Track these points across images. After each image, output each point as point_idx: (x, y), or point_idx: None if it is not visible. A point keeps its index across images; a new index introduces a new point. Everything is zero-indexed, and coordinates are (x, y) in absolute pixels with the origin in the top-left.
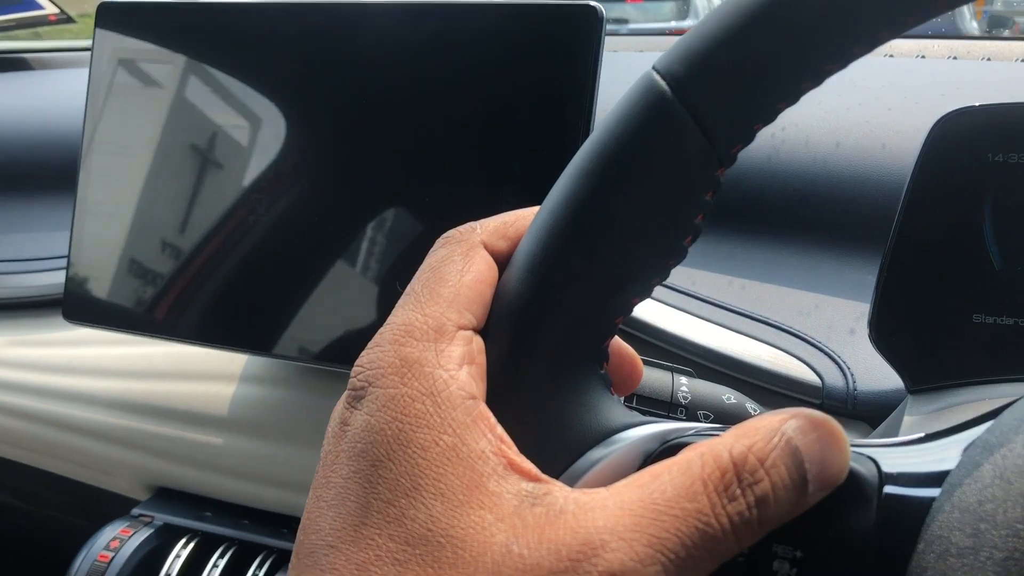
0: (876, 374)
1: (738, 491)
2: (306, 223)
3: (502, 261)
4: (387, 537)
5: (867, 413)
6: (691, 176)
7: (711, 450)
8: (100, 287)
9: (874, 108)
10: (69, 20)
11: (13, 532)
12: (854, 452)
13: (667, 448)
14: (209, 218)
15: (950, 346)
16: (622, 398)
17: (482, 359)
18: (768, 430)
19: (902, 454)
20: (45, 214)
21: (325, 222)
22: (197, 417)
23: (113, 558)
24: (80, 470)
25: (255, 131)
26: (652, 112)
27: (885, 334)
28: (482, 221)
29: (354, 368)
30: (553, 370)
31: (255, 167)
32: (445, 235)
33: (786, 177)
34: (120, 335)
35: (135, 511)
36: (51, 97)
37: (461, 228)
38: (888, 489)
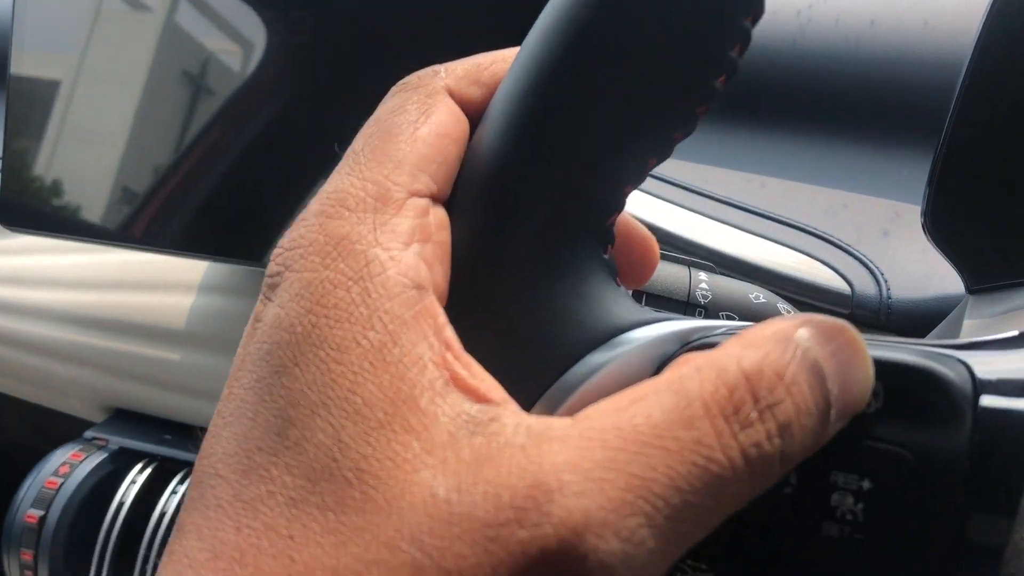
0: (912, 280)
1: (754, 414)
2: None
3: (474, 113)
4: (283, 468)
5: (902, 324)
6: None
7: (712, 363)
8: (39, 191)
9: None
10: None
11: None
12: (938, 352)
13: (691, 351)
14: (163, 119)
15: (1020, 237)
16: (629, 292)
17: (442, 236)
18: (780, 338)
19: (1000, 357)
20: None
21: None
22: (154, 331)
23: (62, 484)
24: (31, 390)
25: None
26: None
27: (943, 225)
28: (448, 64)
29: (274, 251)
30: (538, 250)
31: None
32: (401, 82)
33: (813, 60)
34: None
35: (88, 434)
36: None
37: (421, 72)
38: (986, 400)
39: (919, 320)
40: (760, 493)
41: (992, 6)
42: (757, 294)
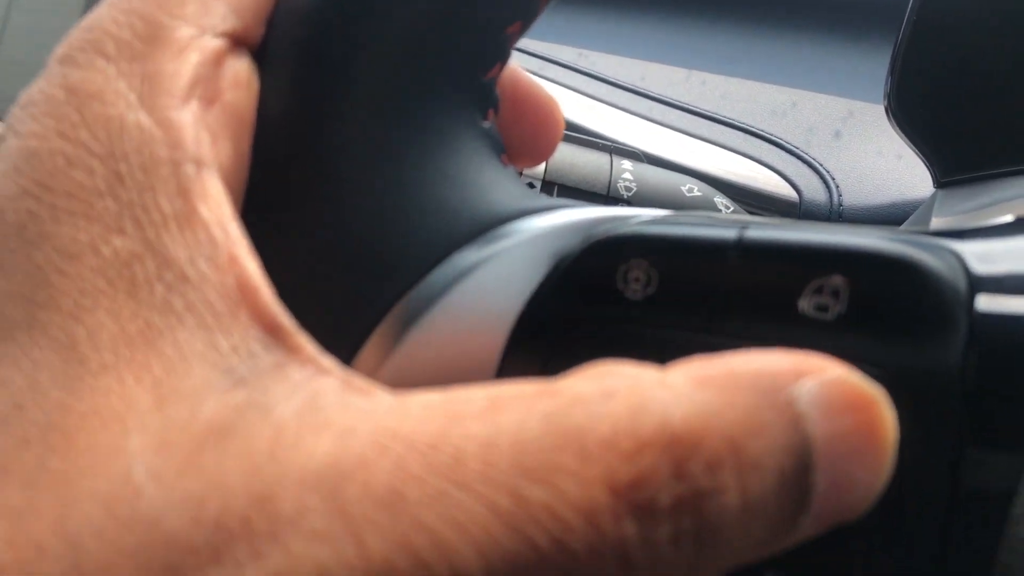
0: (867, 185)
1: (665, 500)
2: None
3: None
4: None
5: None
6: None
7: (636, 389)
8: None
9: None
10: None
11: None
12: (920, 240)
13: (594, 245)
14: None
15: (996, 120)
16: (519, 172)
17: (240, 96)
18: (764, 386)
19: (999, 245)
20: None
21: None
22: None
23: None
24: None
25: None
26: None
27: (909, 110)
28: None
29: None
30: (381, 113)
31: None
32: None
33: None
34: None
35: None
36: None
37: None
38: (983, 302)
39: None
40: None
41: None
42: (691, 186)
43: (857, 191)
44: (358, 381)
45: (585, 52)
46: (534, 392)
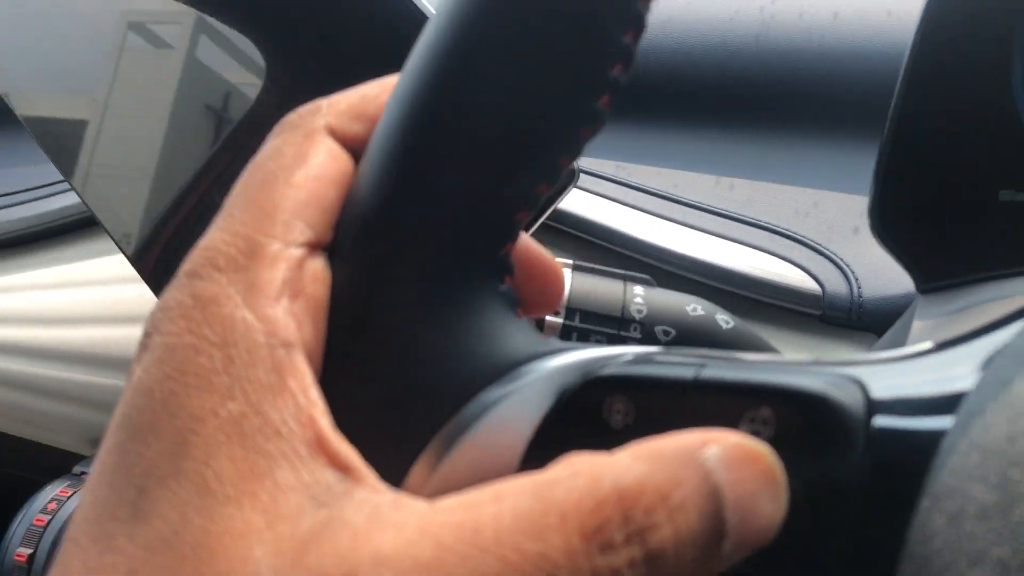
0: (884, 277)
1: (619, 536)
2: None
3: (359, 149)
4: (128, 538)
5: (874, 323)
6: (601, 7)
7: (591, 469)
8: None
9: None
10: None
11: None
12: (831, 373)
13: (590, 383)
14: (187, 153)
15: (971, 232)
16: (536, 319)
17: (318, 288)
18: (680, 454)
19: (900, 372)
20: None
21: None
22: None
23: (50, 521)
24: (19, 426)
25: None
26: None
27: (890, 221)
28: (332, 97)
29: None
30: (420, 290)
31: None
32: (283, 120)
33: (778, 56)
34: (50, 278)
35: (77, 469)
36: None
37: (303, 109)
38: (879, 421)
39: (892, 317)
40: None
41: None
42: (695, 306)
43: (875, 283)
44: (403, 497)
45: (623, 164)
46: (526, 481)
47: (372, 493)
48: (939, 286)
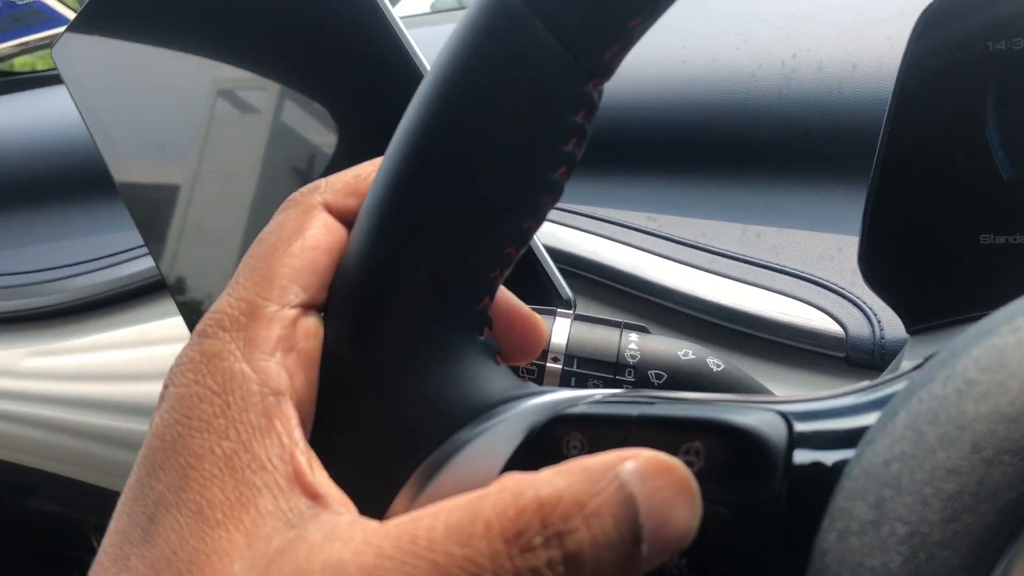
0: None
1: (538, 539)
2: None
3: (352, 221)
4: (139, 558)
5: None
6: (549, 92)
7: (516, 484)
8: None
9: (897, 24)
10: None
11: (52, 537)
12: (758, 408)
13: (555, 420)
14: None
15: (953, 275)
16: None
17: (310, 343)
18: (598, 468)
19: (825, 410)
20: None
21: None
22: None
23: None
24: (95, 475)
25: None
26: (492, 23)
27: (877, 267)
28: (330, 177)
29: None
30: (408, 345)
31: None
32: (288, 198)
33: (800, 109)
34: (129, 337)
35: None
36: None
37: (304, 188)
38: (798, 455)
39: None
40: None
41: (915, 28)
42: (687, 351)
43: (897, 325)
44: (360, 518)
45: (654, 216)
46: (461, 498)
47: (334, 515)
48: (926, 327)
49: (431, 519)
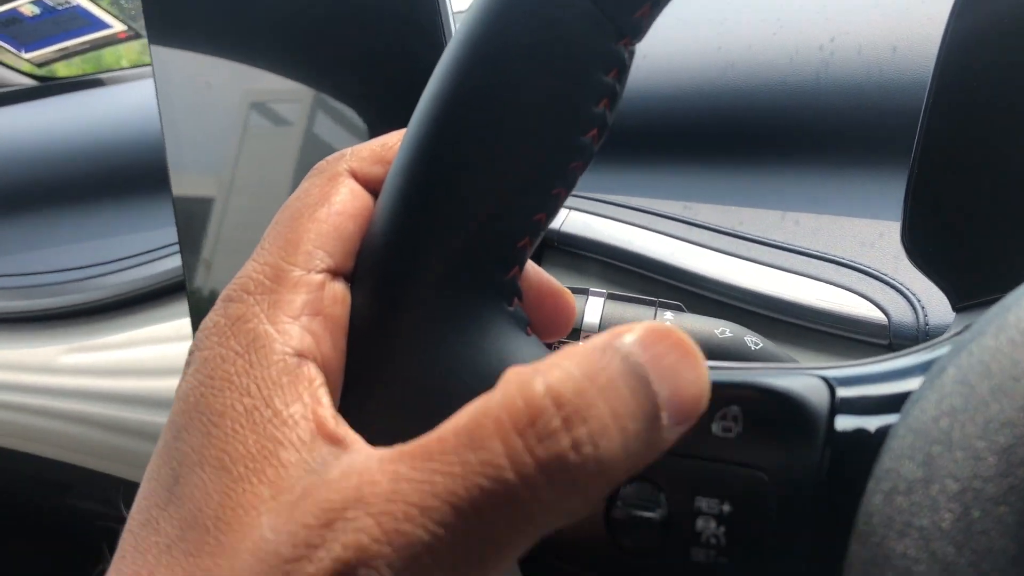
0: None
1: (557, 422)
2: None
3: (379, 189)
4: (167, 519)
5: None
6: (579, 50)
7: (519, 375)
8: (198, 303)
9: (938, 3)
10: (138, 36)
11: (89, 535)
12: (800, 373)
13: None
14: None
15: (1000, 248)
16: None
17: (337, 308)
18: (599, 347)
19: (868, 375)
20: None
21: None
22: None
23: None
24: (141, 472)
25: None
26: None
27: (921, 241)
28: (356, 146)
29: None
30: (436, 313)
31: None
32: (314, 167)
33: (838, 92)
34: (164, 333)
35: None
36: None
37: (329, 157)
38: (841, 420)
39: None
40: (585, 507)
41: (953, 10)
42: (723, 329)
43: (943, 309)
44: (376, 449)
45: (689, 204)
46: (466, 407)
47: (352, 454)
48: (973, 304)
49: (441, 432)
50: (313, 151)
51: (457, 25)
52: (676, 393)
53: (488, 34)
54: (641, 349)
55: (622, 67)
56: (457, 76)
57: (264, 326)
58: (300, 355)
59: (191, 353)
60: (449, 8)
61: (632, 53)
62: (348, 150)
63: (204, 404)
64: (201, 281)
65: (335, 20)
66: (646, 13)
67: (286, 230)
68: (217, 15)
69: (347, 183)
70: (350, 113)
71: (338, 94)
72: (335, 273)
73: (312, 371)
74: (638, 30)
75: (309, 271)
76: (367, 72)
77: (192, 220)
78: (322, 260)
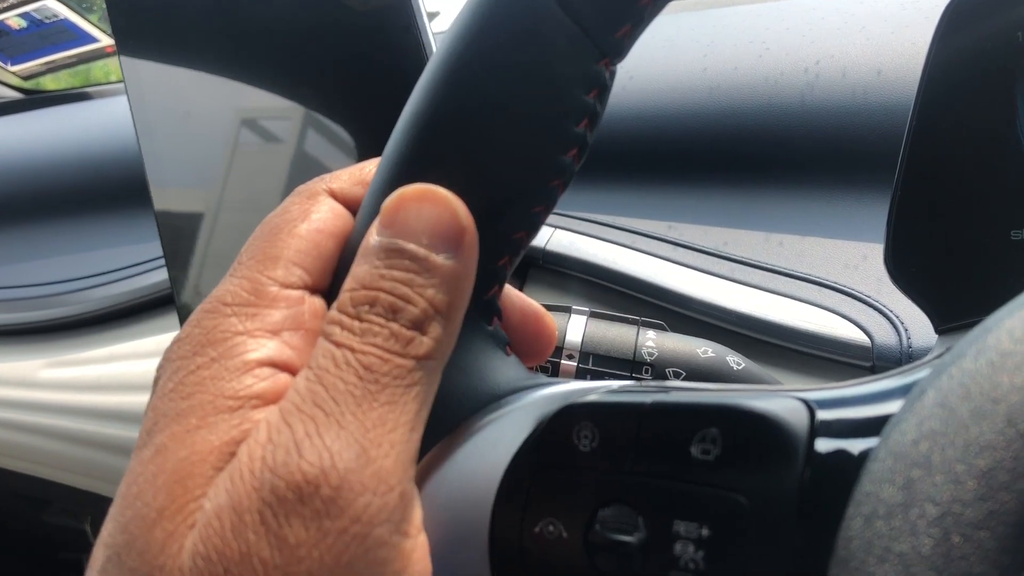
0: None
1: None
2: None
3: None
4: (137, 461)
5: None
6: (559, 70)
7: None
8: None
9: (923, 30)
10: None
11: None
12: (780, 395)
13: (565, 410)
14: None
15: (983, 271)
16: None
17: (316, 324)
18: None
19: (848, 398)
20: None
21: None
22: None
23: None
24: (96, 483)
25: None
26: (500, 2)
27: (903, 265)
28: (336, 171)
29: None
30: None
31: None
32: (294, 189)
33: (823, 114)
34: (146, 348)
35: None
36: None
37: (313, 180)
38: (820, 443)
39: None
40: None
41: (942, 18)
42: (705, 349)
43: (925, 332)
44: None
45: (674, 224)
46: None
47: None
48: (955, 326)
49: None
50: (295, 165)
51: (436, 43)
52: (405, 225)
53: (468, 54)
54: (375, 228)
55: (603, 87)
56: (436, 96)
57: (240, 337)
58: (274, 366)
59: (160, 367)
60: (427, 24)
61: (613, 73)
62: (328, 174)
63: (175, 393)
64: (189, 296)
65: (311, 33)
66: (627, 33)
67: (265, 245)
68: (191, 29)
69: (327, 202)
70: (336, 128)
71: (320, 108)
72: (313, 290)
73: (286, 383)
74: (619, 50)
75: (287, 287)
76: (350, 87)
77: (178, 235)
78: (300, 277)
